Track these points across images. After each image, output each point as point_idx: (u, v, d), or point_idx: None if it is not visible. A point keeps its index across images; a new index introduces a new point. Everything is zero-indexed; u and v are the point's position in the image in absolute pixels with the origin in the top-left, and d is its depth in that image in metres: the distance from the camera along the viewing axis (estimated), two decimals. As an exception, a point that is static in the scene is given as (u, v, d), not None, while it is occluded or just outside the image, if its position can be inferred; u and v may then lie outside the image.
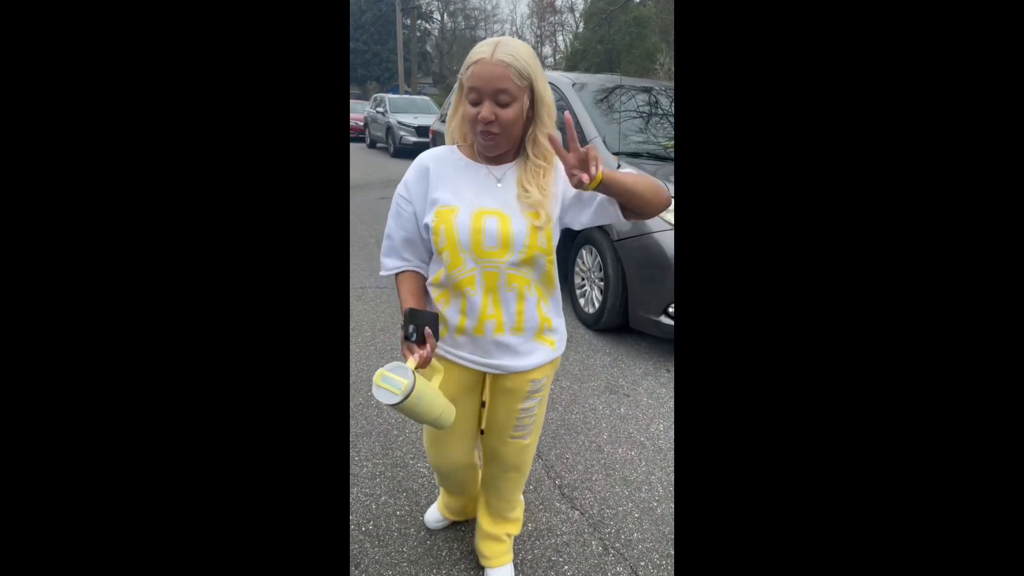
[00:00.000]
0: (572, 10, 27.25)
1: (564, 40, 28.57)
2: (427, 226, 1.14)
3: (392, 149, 11.34)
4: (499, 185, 1.13)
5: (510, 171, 1.14)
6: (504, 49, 1.02)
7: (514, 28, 32.54)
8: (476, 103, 1.05)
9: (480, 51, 1.03)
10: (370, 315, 3.28)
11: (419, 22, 28.45)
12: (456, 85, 1.12)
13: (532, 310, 1.17)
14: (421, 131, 10.73)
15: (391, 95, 13.04)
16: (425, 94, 18.84)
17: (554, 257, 1.17)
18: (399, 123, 11.23)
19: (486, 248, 1.10)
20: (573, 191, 1.14)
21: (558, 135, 1.09)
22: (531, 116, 1.09)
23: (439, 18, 31.72)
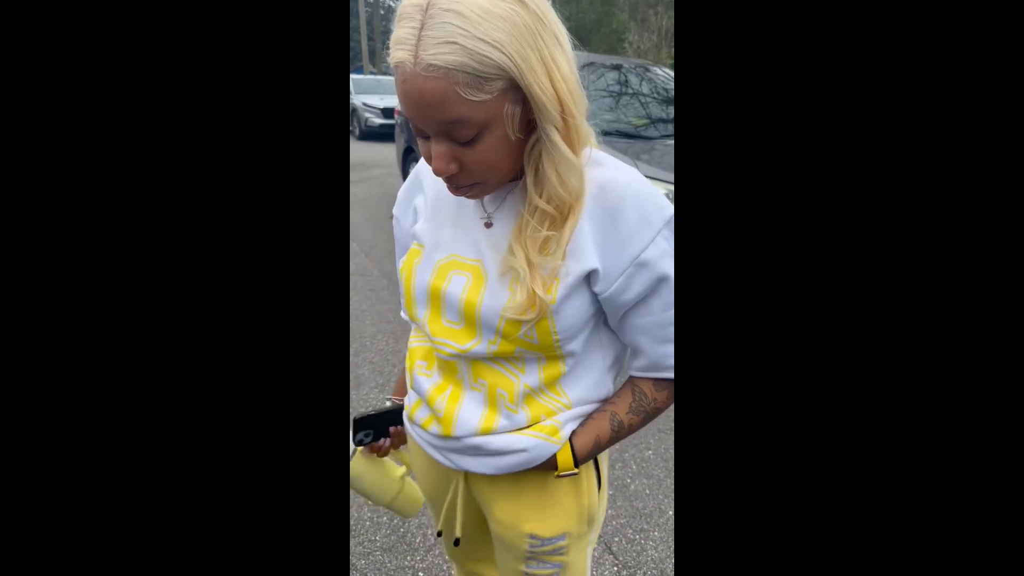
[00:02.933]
0: (539, -13, 26.87)
1: (532, 18, 28.16)
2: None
3: (358, 132, 11.09)
4: (487, 227, 0.67)
5: (508, 204, 0.66)
6: (434, 34, 0.50)
7: (481, 6, 31.90)
8: (424, 135, 0.57)
9: (399, 40, 0.52)
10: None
11: (383, -1, 27.71)
12: None
13: (510, 420, 0.70)
14: (387, 113, 10.51)
15: (355, 76, 12.71)
16: (391, 74, 18.40)
17: (578, 346, 0.68)
18: (365, 105, 10.97)
19: (446, 323, 0.68)
20: (618, 281, 0.63)
21: (587, 132, 0.60)
22: (533, 118, 0.57)
23: (403, -5, 30.96)
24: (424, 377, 0.74)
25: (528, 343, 0.65)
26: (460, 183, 0.60)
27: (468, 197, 0.63)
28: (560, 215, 0.61)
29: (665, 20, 13.20)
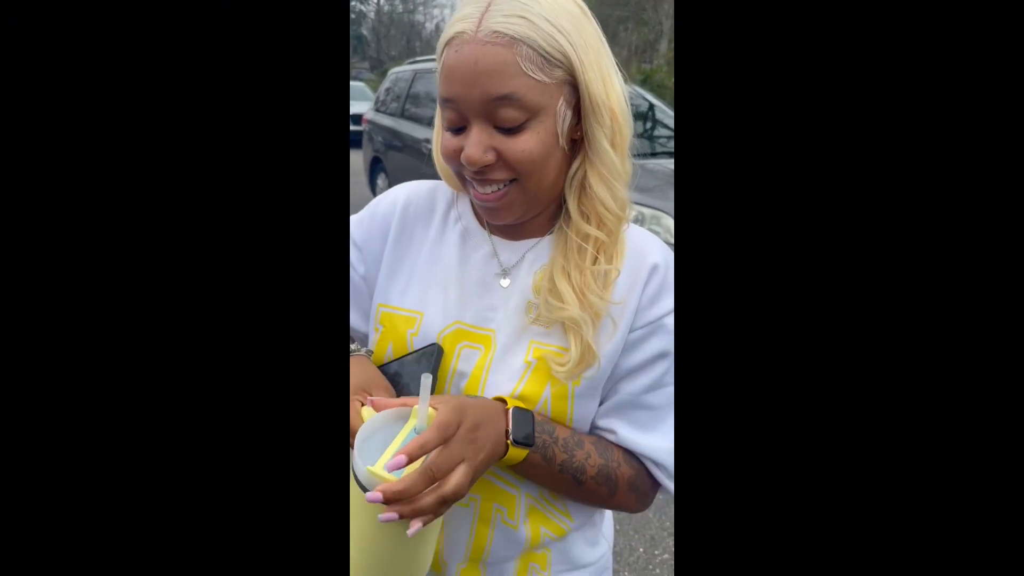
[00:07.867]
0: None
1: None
2: (366, 335, 0.61)
3: (325, 136, 10.96)
4: (503, 283, 0.57)
5: (533, 255, 0.57)
6: (503, 7, 0.48)
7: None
8: (456, 128, 0.51)
9: (462, 16, 0.49)
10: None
11: (353, 3, 27.62)
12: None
13: (507, 538, 0.57)
14: (355, 119, 10.39)
15: (324, 80, 12.55)
16: (361, 79, 18.25)
17: None
18: (332, 109, 10.85)
19: None
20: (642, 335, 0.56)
21: (626, 171, 0.56)
22: (579, 139, 0.54)
23: (375, 0, 30.91)
24: None
25: None
26: (494, 176, 0.50)
27: (496, 208, 0.52)
28: (611, 240, 0.55)
29: (634, 36, 13.57)
